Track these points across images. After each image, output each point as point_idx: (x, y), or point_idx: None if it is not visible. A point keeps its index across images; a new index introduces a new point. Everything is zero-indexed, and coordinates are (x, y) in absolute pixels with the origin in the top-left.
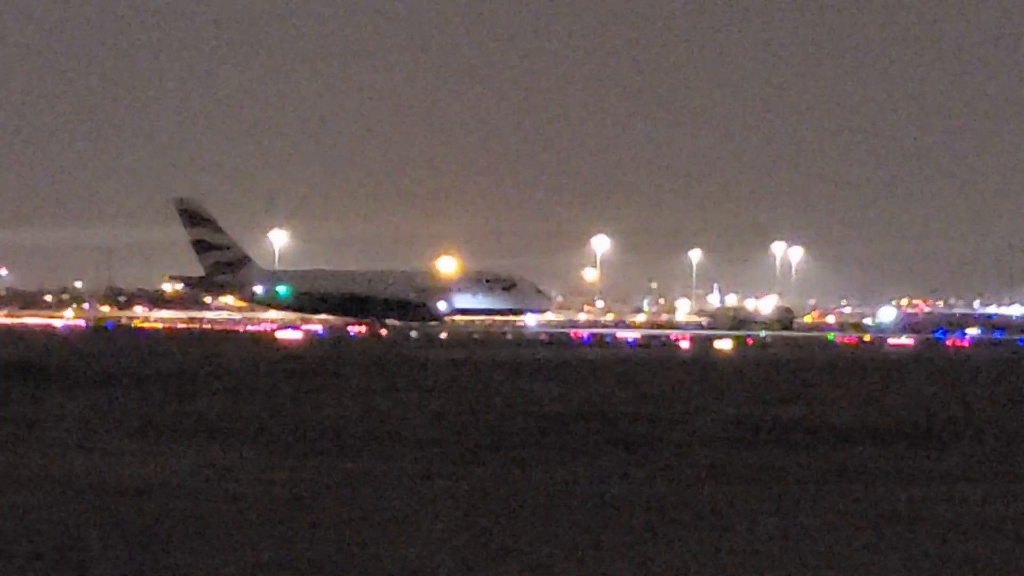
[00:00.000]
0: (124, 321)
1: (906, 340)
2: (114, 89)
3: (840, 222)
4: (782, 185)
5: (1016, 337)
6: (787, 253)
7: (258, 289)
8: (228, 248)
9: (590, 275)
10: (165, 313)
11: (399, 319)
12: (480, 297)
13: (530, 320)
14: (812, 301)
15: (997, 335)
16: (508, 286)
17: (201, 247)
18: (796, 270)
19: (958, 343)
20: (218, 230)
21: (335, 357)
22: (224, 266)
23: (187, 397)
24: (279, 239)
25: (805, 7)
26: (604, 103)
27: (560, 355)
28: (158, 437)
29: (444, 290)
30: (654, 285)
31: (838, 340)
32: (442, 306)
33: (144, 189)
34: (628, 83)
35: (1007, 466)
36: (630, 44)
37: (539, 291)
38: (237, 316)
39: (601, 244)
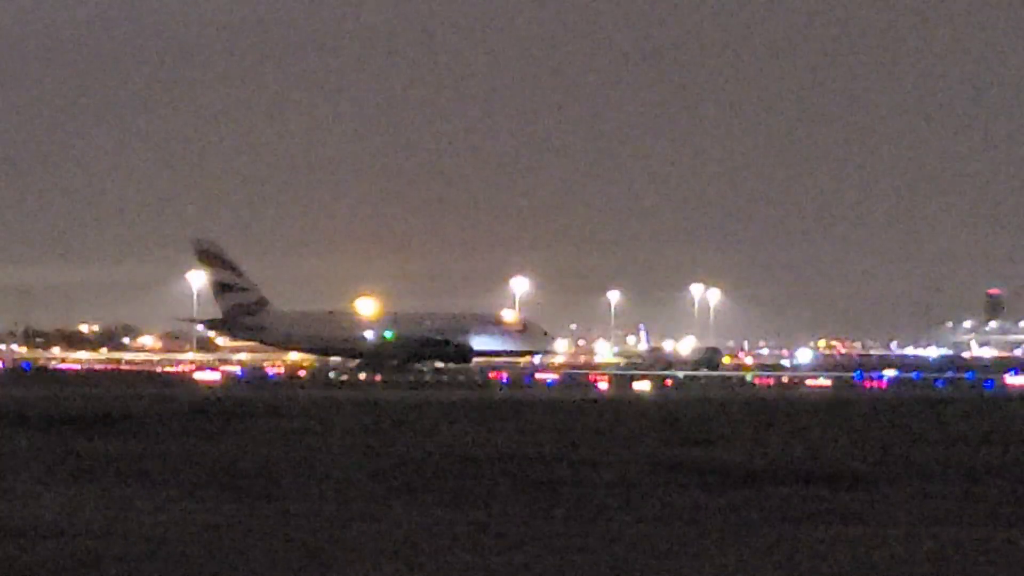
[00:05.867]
0: (42, 362)
1: (824, 381)
2: (32, 129)
3: (758, 263)
4: (700, 226)
5: (932, 378)
6: (705, 294)
7: (368, 334)
8: (248, 290)
9: (509, 317)
10: (83, 354)
11: (445, 361)
12: (496, 339)
13: (537, 360)
14: (730, 342)
15: (915, 377)
16: (520, 329)
17: (221, 289)
18: (714, 311)
19: (875, 384)
20: (238, 272)
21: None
22: (244, 307)
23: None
24: (197, 280)
25: (718, 51)
26: (521, 145)
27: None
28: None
29: (471, 333)
30: (574, 327)
31: (756, 381)
32: None
33: (62, 230)
34: (545, 125)
35: (911, 508)
36: (548, 88)
37: (545, 333)
38: (155, 357)
39: (520, 285)
